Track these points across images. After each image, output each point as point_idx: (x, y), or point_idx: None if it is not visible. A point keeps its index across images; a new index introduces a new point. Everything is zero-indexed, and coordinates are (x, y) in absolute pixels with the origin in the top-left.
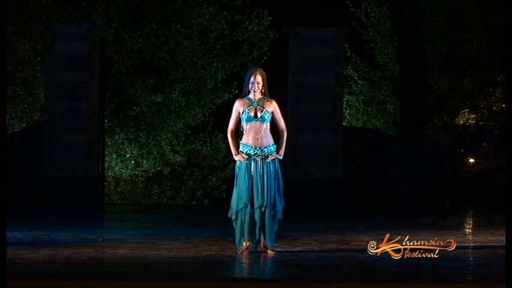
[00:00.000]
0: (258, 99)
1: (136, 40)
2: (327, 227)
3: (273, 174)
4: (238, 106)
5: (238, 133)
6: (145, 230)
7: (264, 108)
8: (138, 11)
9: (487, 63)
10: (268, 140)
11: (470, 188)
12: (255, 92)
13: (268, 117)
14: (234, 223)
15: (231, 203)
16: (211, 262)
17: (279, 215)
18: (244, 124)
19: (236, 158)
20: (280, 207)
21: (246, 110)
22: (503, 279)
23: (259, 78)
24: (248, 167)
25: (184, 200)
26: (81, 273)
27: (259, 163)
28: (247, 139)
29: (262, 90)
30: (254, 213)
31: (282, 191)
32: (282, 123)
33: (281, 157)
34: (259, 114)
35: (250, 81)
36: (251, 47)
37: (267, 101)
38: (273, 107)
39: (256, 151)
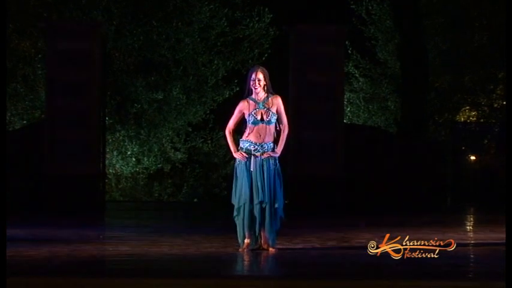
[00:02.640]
0: (263, 99)
1: (137, 37)
2: (327, 225)
3: (273, 171)
4: (242, 107)
5: (238, 132)
6: (146, 227)
7: (270, 110)
8: (138, 8)
9: (488, 61)
10: (270, 138)
11: (471, 186)
12: (256, 89)
13: (274, 119)
14: (236, 219)
15: (232, 201)
16: (212, 259)
17: (280, 212)
18: (250, 125)
19: (236, 155)
20: (281, 204)
21: (253, 113)
22: (503, 276)
23: (260, 76)
24: (248, 163)
25: (185, 197)
26: (82, 271)
27: (258, 159)
28: (248, 136)
29: (265, 88)
30: (254, 210)
31: (282, 188)
32: (284, 119)
33: (277, 154)
34: (265, 118)
35: (252, 79)
36: (252, 45)
37: (272, 98)
38: (277, 103)
39: (256, 147)
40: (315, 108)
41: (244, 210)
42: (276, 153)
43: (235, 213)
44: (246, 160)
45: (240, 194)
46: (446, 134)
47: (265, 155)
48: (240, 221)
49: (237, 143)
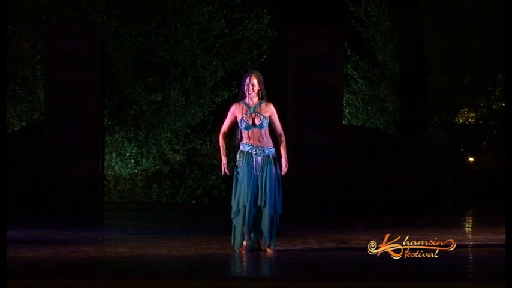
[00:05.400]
0: (255, 104)
1: (136, 39)
2: (326, 226)
3: (274, 175)
4: (234, 110)
5: (231, 136)
6: (145, 229)
7: (261, 114)
8: (137, 9)
9: (487, 62)
10: (268, 142)
11: (470, 187)
12: (250, 94)
13: (266, 123)
14: (234, 221)
15: (232, 203)
16: (211, 261)
17: (278, 216)
18: (243, 131)
19: (223, 166)
20: (279, 208)
21: (244, 117)
22: (503, 277)
23: (254, 81)
24: (250, 166)
25: (184, 198)
26: (81, 272)
27: (260, 163)
28: (248, 140)
29: (259, 94)
30: (254, 212)
31: (281, 194)
32: (279, 126)
33: (286, 168)
34: (257, 122)
35: (246, 83)
36: (251, 46)
37: (264, 105)
38: (270, 111)
39: (257, 151)
40: (314, 109)
41: (243, 212)
42: (286, 165)
43: (233, 215)
44: (226, 173)
45: (239, 196)
46: (445, 135)
47: (284, 171)
48: (240, 222)
49: (232, 149)
